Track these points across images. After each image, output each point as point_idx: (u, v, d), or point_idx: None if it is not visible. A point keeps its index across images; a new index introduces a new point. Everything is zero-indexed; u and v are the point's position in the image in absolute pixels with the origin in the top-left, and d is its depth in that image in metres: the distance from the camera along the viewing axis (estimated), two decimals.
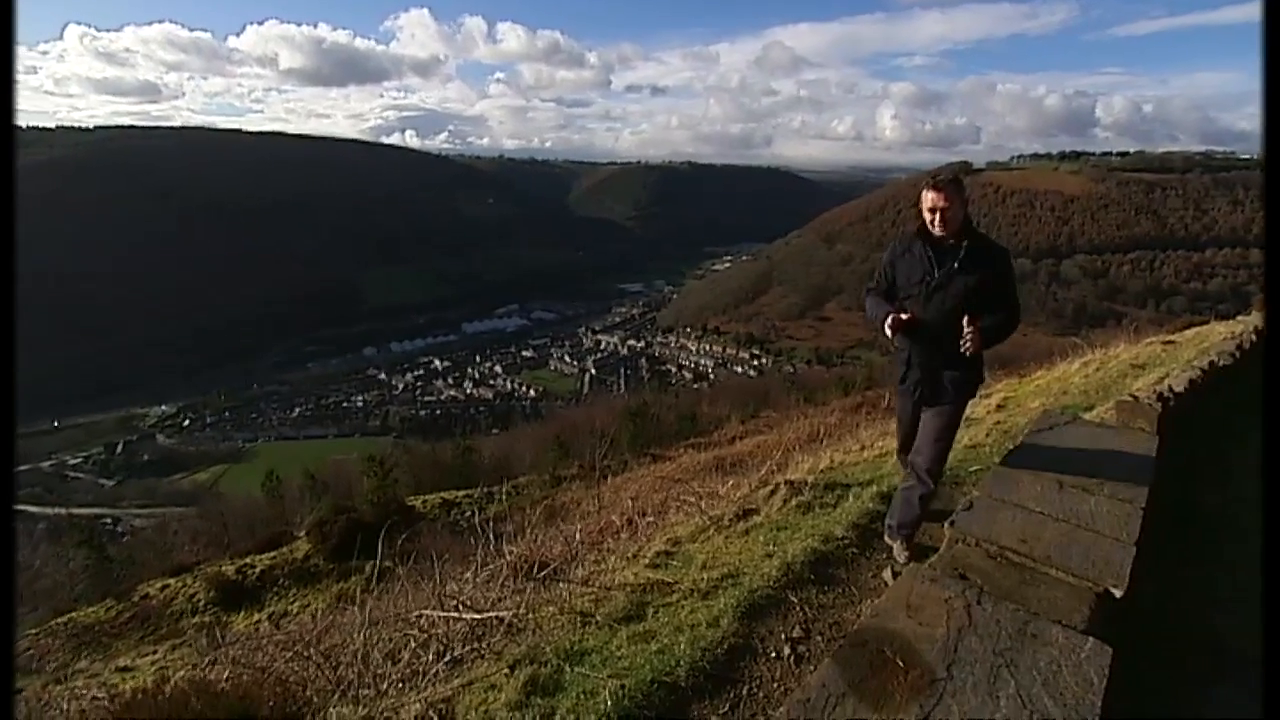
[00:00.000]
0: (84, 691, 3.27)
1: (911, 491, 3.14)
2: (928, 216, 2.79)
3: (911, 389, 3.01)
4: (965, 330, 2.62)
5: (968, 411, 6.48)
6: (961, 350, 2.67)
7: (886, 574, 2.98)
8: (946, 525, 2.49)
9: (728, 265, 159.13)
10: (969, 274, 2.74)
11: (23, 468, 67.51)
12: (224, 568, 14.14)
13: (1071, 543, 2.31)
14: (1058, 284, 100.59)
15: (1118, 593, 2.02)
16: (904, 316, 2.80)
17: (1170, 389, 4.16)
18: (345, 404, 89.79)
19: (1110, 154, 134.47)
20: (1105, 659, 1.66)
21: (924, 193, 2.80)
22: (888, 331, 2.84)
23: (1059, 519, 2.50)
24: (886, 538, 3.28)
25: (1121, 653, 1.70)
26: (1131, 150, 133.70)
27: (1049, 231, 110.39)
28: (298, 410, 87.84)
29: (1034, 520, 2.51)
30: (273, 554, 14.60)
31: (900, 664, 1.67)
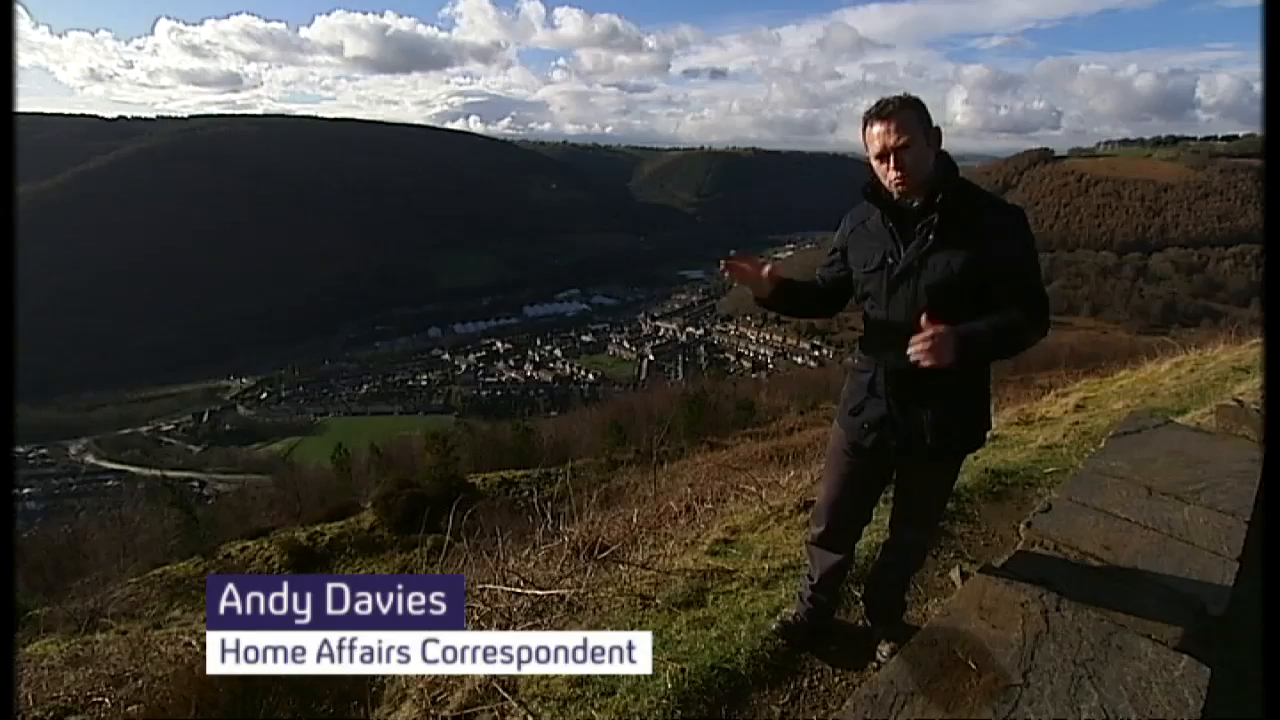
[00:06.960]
0: (179, 637, 3.53)
1: (894, 583, 2.33)
2: (878, 167, 1.78)
3: (868, 429, 1.89)
4: (924, 327, 1.59)
5: (1040, 410, 6.15)
6: (912, 360, 1.59)
7: (954, 574, 2.88)
8: (1024, 526, 2.39)
9: (790, 253, 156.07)
10: (952, 249, 1.73)
11: (125, 431, 74.11)
12: (296, 534, 15.00)
13: (1162, 553, 2.18)
14: (1144, 279, 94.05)
15: (1216, 610, 1.89)
16: (766, 271, 1.96)
17: None
18: (410, 382, 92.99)
19: (1214, 138, 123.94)
20: (1203, 679, 1.55)
21: (867, 129, 1.76)
22: (724, 271, 1.94)
23: (1148, 527, 2.36)
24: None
25: (1217, 672, 1.60)
26: (1240, 134, 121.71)
27: (1137, 223, 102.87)
28: (365, 387, 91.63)
29: (1119, 527, 2.37)
30: (341, 523, 15.39)
31: (973, 666, 1.62)
